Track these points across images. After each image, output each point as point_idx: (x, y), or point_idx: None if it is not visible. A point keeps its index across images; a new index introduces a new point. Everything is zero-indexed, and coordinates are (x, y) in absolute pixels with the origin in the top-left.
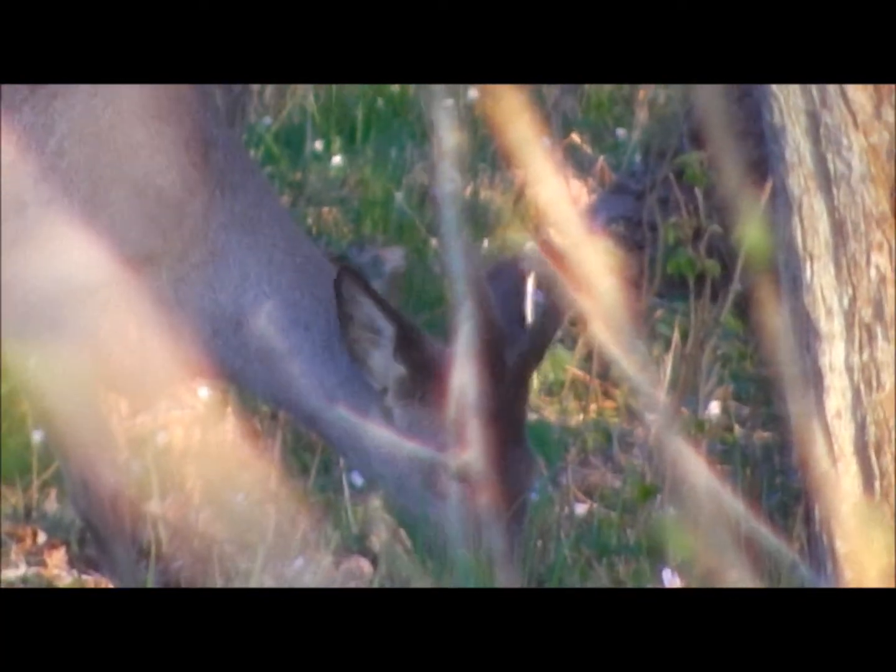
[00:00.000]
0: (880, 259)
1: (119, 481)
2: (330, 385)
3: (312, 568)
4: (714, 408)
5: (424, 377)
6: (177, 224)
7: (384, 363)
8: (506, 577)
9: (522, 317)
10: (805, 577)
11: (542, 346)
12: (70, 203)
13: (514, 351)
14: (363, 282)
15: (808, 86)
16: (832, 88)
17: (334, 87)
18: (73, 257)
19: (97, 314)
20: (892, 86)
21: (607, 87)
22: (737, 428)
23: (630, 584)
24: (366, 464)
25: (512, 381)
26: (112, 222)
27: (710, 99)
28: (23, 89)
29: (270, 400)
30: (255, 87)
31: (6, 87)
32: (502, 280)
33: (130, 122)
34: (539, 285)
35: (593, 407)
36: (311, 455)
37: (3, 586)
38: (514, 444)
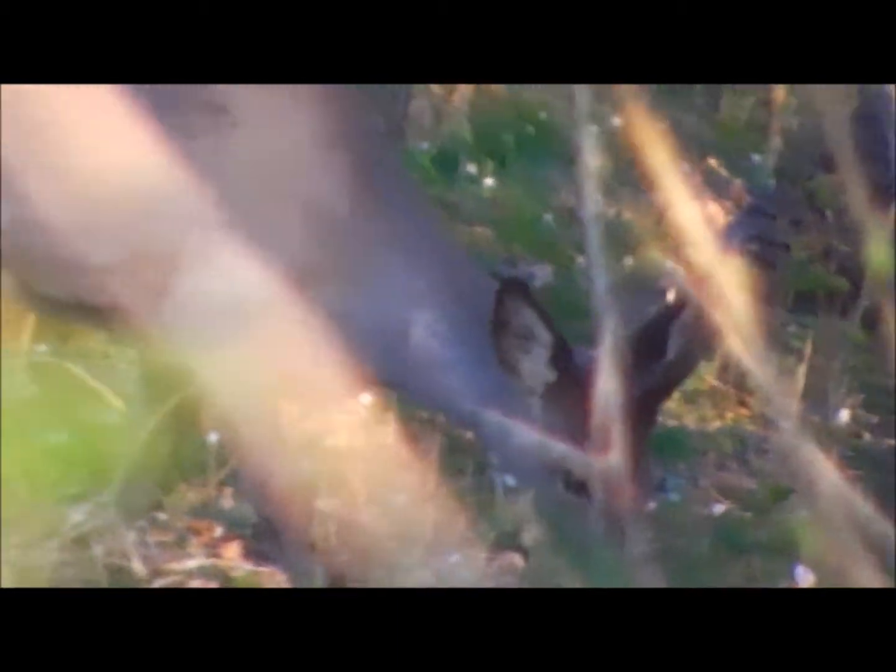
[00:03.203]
0: None
1: (291, 479)
2: (483, 390)
3: (467, 563)
4: (843, 416)
5: (572, 383)
6: (343, 242)
7: (535, 369)
8: (646, 575)
9: (662, 348)
10: None
11: (682, 377)
12: (246, 223)
13: (645, 381)
14: (528, 293)
15: None
16: None
17: (488, 110)
18: (249, 274)
19: (272, 327)
20: None
21: (744, 117)
22: (865, 435)
23: (763, 581)
24: (514, 463)
25: (643, 405)
26: (285, 241)
27: (840, 126)
28: (205, 120)
29: (429, 404)
30: (413, 113)
31: (189, 116)
32: (650, 314)
33: (302, 149)
34: (680, 308)
35: (730, 414)
36: (467, 458)
37: (181, 577)
38: (641, 452)
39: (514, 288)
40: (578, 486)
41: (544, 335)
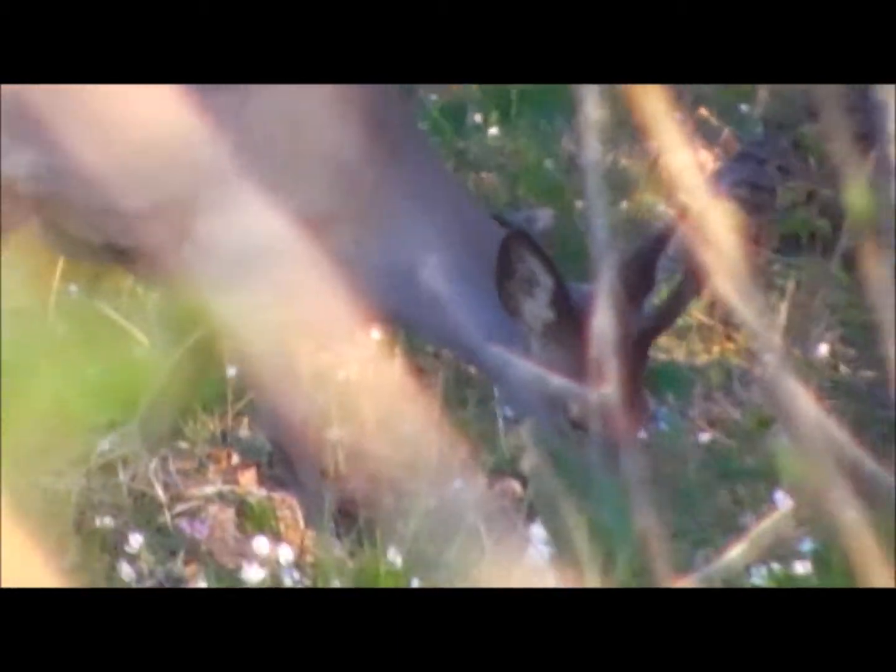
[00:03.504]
0: None
1: (304, 411)
2: (486, 327)
3: (470, 489)
4: (823, 350)
5: (570, 322)
6: (355, 189)
7: (536, 311)
8: (638, 499)
9: (650, 283)
10: None
11: (676, 315)
12: (262, 171)
13: (641, 320)
14: (532, 241)
15: None
16: None
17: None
18: (266, 219)
19: (287, 268)
20: None
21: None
22: (843, 368)
23: (748, 505)
24: (515, 395)
25: (637, 343)
26: (299, 188)
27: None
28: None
29: (435, 340)
30: None
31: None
32: (636, 245)
33: (317, 103)
34: (666, 238)
35: (717, 348)
36: (470, 390)
37: (200, 502)
38: (637, 385)
39: (519, 237)
40: (575, 417)
41: (546, 279)
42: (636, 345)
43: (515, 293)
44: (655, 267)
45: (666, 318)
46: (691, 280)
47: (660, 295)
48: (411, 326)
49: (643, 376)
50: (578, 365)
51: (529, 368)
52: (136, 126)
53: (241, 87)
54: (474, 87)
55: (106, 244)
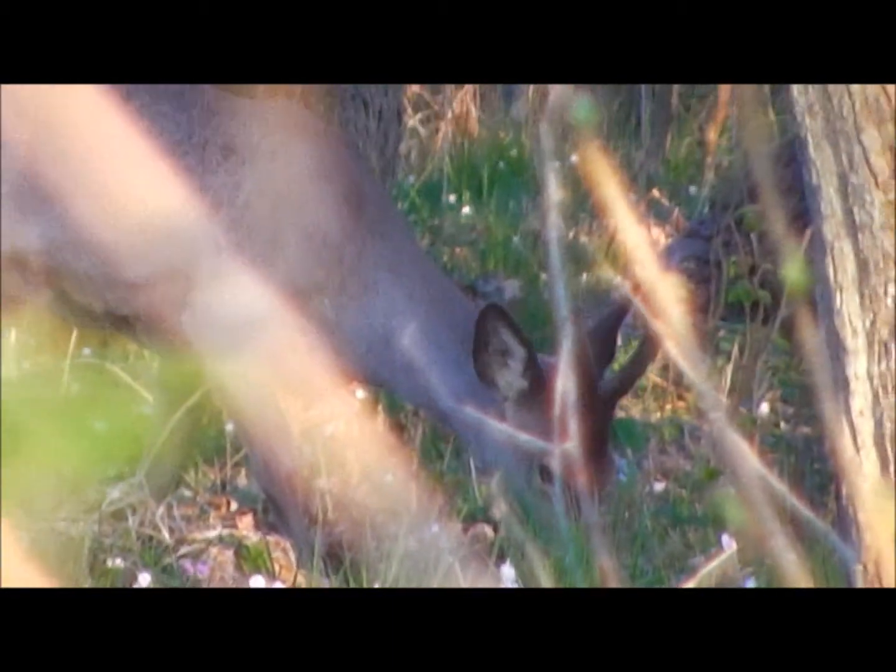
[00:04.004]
0: (895, 290)
1: (294, 462)
2: (458, 391)
3: (446, 532)
4: (764, 408)
5: (541, 389)
6: (337, 262)
7: (511, 380)
8: (598, 543)
9: (612, 350)
10: (835, 542)
11: (636, 377)
12: (254, 246)
13: (605, 383)
14: (506, 314)
15: (840, 151)
16: (857, 154)
17: (466, 150)
18: (256, 289)
19: (276, 334)
20: None
21: (682, 152)
22: (783, 424)
23: (697, 548)
24: (485, 453)
25: (603, 404)
26: (287, 261)
27: (764, 163)
28: (217, 156)
29: (412, 401)
30: (403, 150)
31: (206, 154)
32: (600, 316)
33: (302, 182)
34: (625, 311)
35: (669, 407)
36: (445, 444)
37: (202, 545)
38: (604, 442)
39: (493, 310)
40: (544, 471)
41: (519, 350)
42: (603, 405)
43: (491, 363)
44: (617, 335)
45: (628, 380)
46: (648, 345)
47: (619, 360)
48: (390, 387)
49: (609, 434)
50: (548, 427)
51: (499, 428)
52: (137, 202)
53: (238, 170)
54: (448, 169)
55: (106, 312)
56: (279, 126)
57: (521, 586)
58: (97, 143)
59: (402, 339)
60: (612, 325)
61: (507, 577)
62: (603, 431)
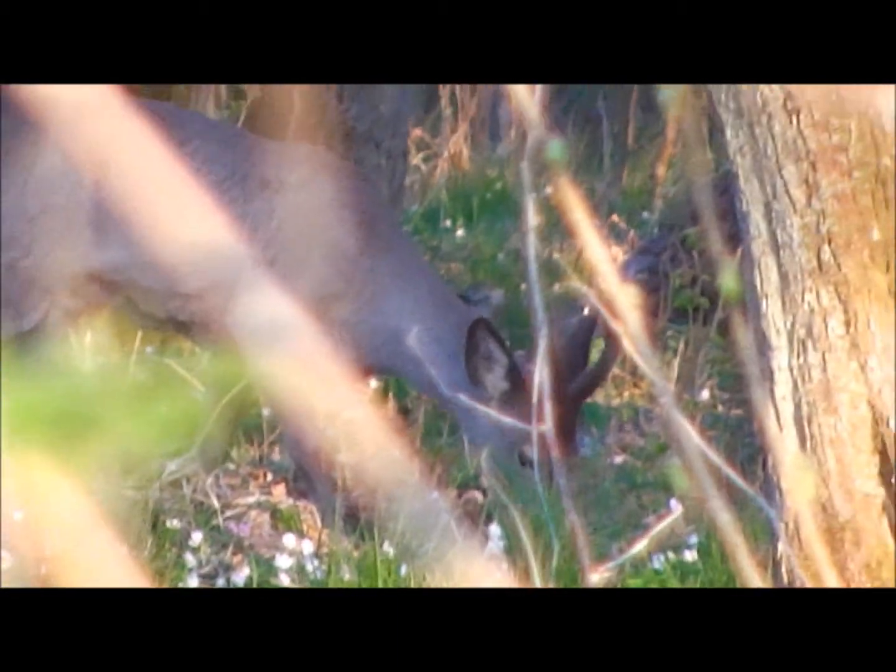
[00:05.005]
0: (810, 297)
1: (319, 440)
2: (455, 380)
3: (443, 497)
4: (705, 394)
5: (521, 390)
6: (354, 274)
7: (495, 382)
8: (568, 504)
9: (586, 356)
10: (762, 504)
11: (602, 377)
12: (285, 262)
13: (577, 381)
14: (492, 327)
15: (765, 184)
16: (779, 186)
17: (459, 183)
18: (287, 297)
19: (303, 334)
20: (821, 181)
21: (637, 183)
22: (720, 407)
23: (650, 509)
24: (476, 432)
25: (574, 395)
26: (312, 274)
27: (704, 192)
28: (254, 188)
29: (417, 388)
30: (407, 183)
31: (245, 186)
32: (572, 325)
33: (324, 209)
34: (594, 321)
35: (627, 393)
36: (444, 422)
37: (244, 509)
38: (573, 424)
39: (481, 324)
40: (522, 456)
41: (502, 357)
42: (573, 396)
43: (479, 367)
44: (590, 344)
45: (598, 376)
46: (612, 345)
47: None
48: (399, 376)
49: (577, 419)
50: (527, 419)
51: (487, 412)
52: (189, 228)
53: (272, 199)
54: (444, 199)
55: (168, 318)
56: (305, 163)
57: (505, 542)
58: (156, 180)
59: (409, 337)
60: (584, 336)
61: (494, 534)
62: (572, 416)
